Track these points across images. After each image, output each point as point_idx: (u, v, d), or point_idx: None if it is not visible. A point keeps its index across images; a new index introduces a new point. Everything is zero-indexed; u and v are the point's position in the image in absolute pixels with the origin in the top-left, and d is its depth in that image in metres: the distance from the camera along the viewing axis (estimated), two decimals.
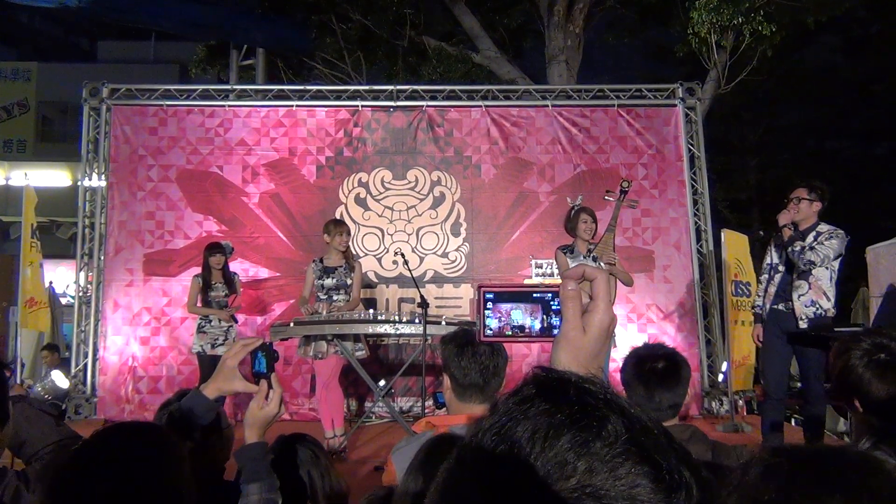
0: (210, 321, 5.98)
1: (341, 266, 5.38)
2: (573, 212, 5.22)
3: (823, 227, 4.38)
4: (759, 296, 4.71)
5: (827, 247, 4.26)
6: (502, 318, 0.86)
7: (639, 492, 0.46)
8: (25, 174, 8.08)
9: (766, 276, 4.65)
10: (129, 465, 1.27)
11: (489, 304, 0.87)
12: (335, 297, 5.34)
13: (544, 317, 0.86)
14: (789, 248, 4.34)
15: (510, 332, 0.87)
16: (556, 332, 0.81)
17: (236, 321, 6.21)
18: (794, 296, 4.36)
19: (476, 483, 0.48)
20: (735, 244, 6.85)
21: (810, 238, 4.35)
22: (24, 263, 7.05)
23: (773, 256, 4.63)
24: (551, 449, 0.47)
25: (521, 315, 0.86)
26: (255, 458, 1.59)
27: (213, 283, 6.00)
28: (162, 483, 1.28)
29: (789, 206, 4.43)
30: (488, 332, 0.87)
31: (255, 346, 1.65)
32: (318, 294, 5.38)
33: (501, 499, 0.47)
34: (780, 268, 4.54)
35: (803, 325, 4.29)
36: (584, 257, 5.02)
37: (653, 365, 2.07)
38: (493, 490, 0.47)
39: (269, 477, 1.57)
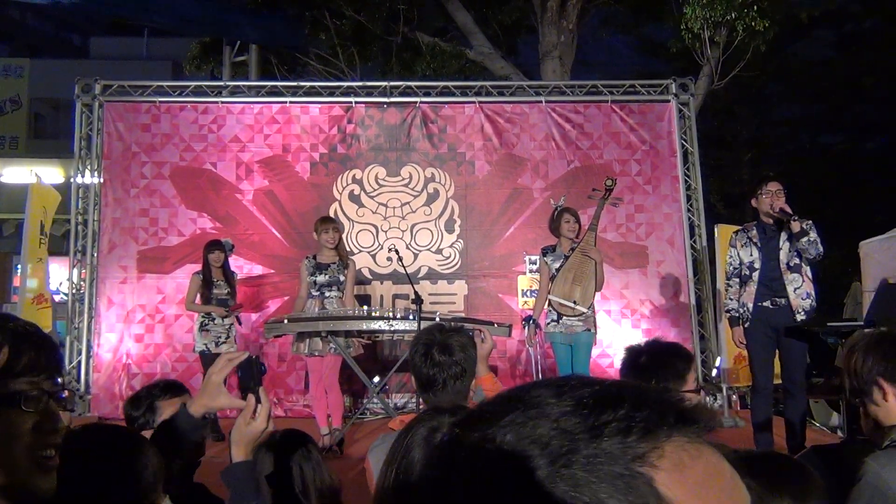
0: (213, 319, 5.92)
1: (334, 263, 5.36)
2: (556, 212, 5.28)
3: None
4: (731, 299, 4.55)
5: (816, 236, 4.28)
6: None
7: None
8: (31, 170, 7.97)
9: (738, 276, 4.51)
10: (87, 467, 1.27)
11: None
12: (327, 294, 5.32)
13: None
14: (803, 239, 4.20)
15: None
16: None
17: (240, 322, 6.19)
18: (790, 290, 4.30)
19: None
20: None
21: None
22: (28, 260, 6.93)
23: (743, 255, 4.49)
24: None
25: None
26: (242, 478, 1.50)
27: (214, 280, 5.95)
28: (123, 483, 1.29)
29: (778, 194, 4.29)
30: None
31: (240, 361, 1.61)
32: (311, 290, 5.36)
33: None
34: (757, 264, 4.41)
35: (800, 317, 4.27)
36: (567, 256, 5.07)
37: (668, 359, 2.07)
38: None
39: (256, 499, 1.51)
